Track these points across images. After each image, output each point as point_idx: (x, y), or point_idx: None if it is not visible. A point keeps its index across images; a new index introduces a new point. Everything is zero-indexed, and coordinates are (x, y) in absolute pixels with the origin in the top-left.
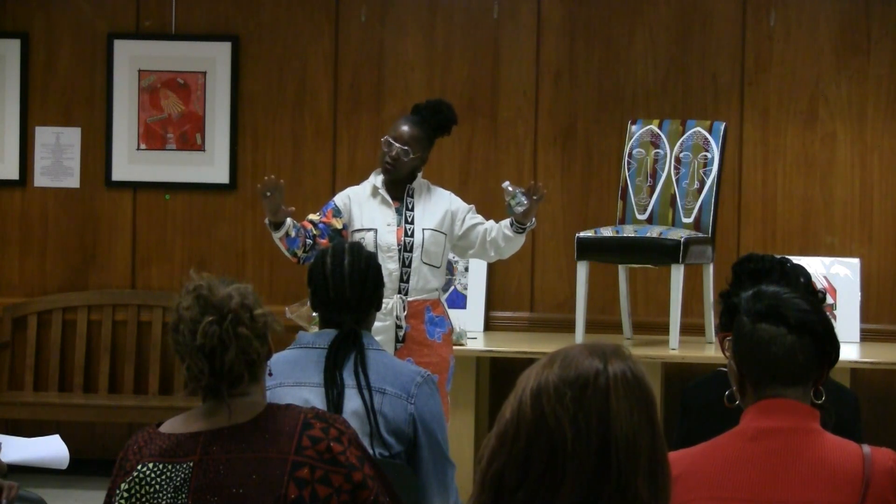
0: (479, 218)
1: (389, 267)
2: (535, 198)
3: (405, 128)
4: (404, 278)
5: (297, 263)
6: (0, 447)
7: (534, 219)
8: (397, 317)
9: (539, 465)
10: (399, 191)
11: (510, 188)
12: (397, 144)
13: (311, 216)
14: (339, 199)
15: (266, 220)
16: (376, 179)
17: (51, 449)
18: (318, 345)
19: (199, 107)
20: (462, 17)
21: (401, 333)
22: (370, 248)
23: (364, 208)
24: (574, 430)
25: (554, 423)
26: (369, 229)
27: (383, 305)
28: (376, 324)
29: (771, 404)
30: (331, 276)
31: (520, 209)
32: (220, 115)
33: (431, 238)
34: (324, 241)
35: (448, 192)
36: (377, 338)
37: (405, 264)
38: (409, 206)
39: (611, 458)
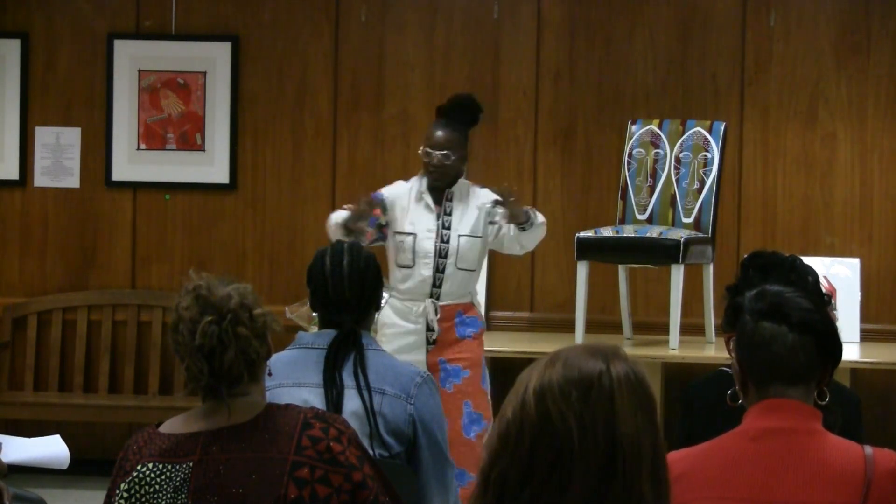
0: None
1: (424, 273)
2: (510, 199)
3: (439, 133)
4: (437, 283)
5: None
6: (0, 447)
7: (531, 212)
8: (429, 321)
9: (544, 465)
10: (441, 195)
11: (493, 210)
12: (436, 152)
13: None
14: (388, 193)
15: (343, 220)
16: (420, 184)
17: (51, 449)
18: (317, 345)
19: (199, 107)
20: (462, 17)
21: (432, 337)
22: (409, 251)
23: (407, 211)
24: (581, 430)
25: (560, 423)
26: (409, 233)
27: (415, 308)
28: (408, 325)
29: (773, 404)
30: (330, 276)
31: (498, 219)
32: (220, 115)
33: (467, 244)
34: (368, 231)
35: (486, 190)
36: (409, 340)
37: (439, 270)
38: (448, 211)
39: (617, 459)
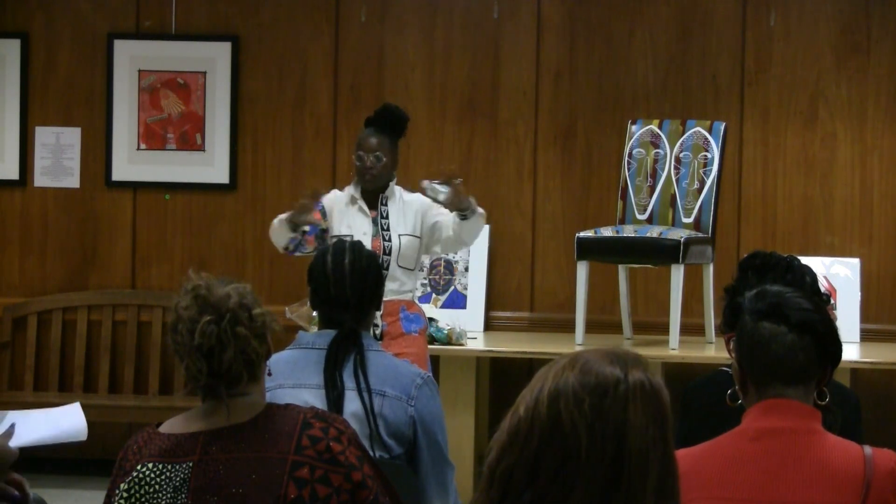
0: (443, 213)
1: None
2: (455, 181)
3: (370, 138)
4: None
5: (283, 252)
6: (13, 430)
7: (472, 202)
8: None
9: (549, 468)
10: (375, 200)
11: (428, 185)
12: (368, 154)
13: None
14: (326, 201)
15: (287, 215)
16: (355, 190)
17: (68, 421)
18: (317, 345)
19: (199, 107)
20: (462, 17)
21: (377, 332)
22: None
23: (344, 215)
24: (589, 438)
25: (570, 429)
26: (346, 236)
27: None
28: None
29: (772, 404)
30: (331, 274)
31: (441, 198)
32: (220, 115)
33: (408, 243)
34: (310, 239)
35: (419, 195)
36: None
37: (383, 267)
38: (384, 215)
39: (623, 470)
